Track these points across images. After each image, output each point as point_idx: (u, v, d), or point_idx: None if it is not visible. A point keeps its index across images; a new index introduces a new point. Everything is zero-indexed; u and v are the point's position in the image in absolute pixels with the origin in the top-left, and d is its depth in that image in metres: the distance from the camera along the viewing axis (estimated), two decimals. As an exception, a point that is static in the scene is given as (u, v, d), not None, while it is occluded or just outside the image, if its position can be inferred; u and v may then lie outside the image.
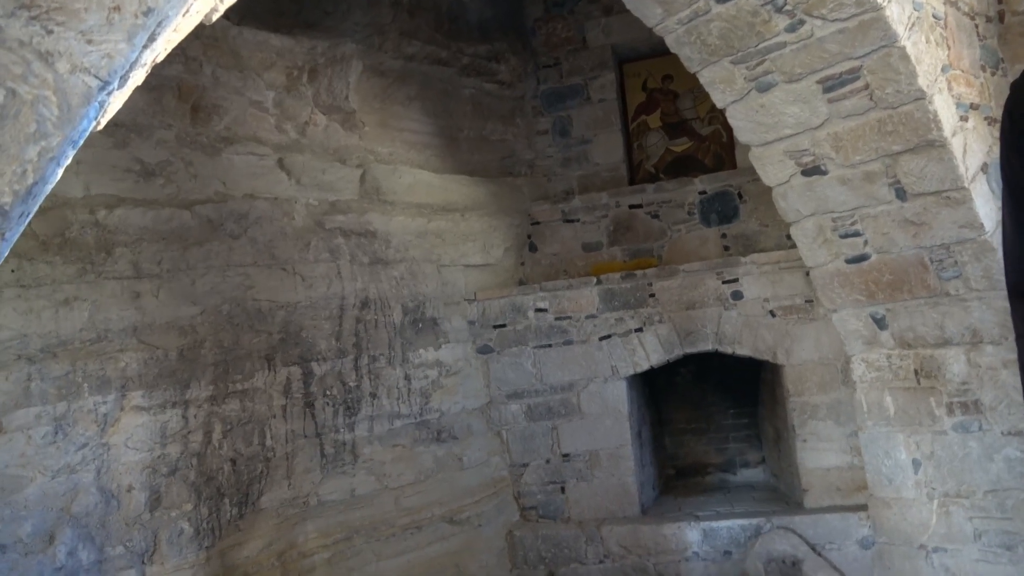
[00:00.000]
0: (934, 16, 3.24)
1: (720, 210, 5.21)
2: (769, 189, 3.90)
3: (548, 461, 5.02)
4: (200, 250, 3.83)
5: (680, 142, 5.70)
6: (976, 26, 3.58)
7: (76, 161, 3.14)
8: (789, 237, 4.22)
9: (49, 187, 1.23)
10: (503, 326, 5.12)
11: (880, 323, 3.96)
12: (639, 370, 4.95)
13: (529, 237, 5.53)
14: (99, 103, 1.23)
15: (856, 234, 3.75)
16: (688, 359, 5.04)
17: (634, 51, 5.70)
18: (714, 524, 4.62)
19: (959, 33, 3.42)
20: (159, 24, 1.26)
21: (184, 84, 3.81)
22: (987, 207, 3.43)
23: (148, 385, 3.57)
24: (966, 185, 3.32)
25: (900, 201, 3.51)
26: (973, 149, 3.42)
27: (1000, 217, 3.41)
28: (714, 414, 5.89)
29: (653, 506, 5.16)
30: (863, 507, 4.32)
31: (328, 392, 4.28)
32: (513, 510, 5.05)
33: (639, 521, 4.80)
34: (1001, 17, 3.74)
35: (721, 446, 5.85)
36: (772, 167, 3.73)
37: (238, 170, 4.04)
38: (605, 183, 5.60)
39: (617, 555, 4.72)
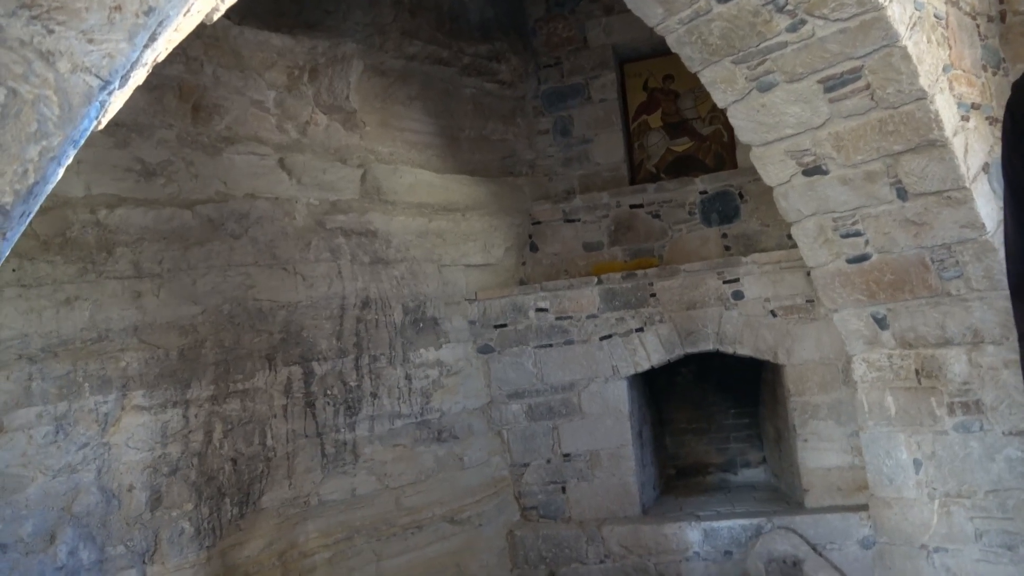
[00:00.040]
0: (935, 16, 3.24)
1: (721, 210, 5.21)
2: (770, 189, 3.90)
3: (549, 461, 5.02)
4: (201, 250, 3.83)
5: (681, 142, 5.70)
6: (977, 26, 3.58)
7: (77, 161, 3.14)
8: (790, 237, 4.21)
9: (50, 187, 1.23)
10: (504, 326, 5.12)
11: (881, 323, 3.95)
12: (640, 370, 4.95)
13: (530, 237, 5.53)
14: (100, 103, 1.23)
15: (857, 234, 3.75)
16: (689, 359, 5.04)
17: (635, 51, 5.70)
18: (715, 524, 4.62)
19: (960, 33, 3.42)
20: (160, 24, 1.26)
21: (185, 84, 3.81)
22: (988, 207, 3.43)
23: (149, 385, 3.57)
24: (967, 185, 3.32)
25: (901, 201, 3.51)
26: (974, 149, 3.42)
27: (1001, 217, 3.42)
28: (715, 414, 5.89)
29: (654, 506, 5.16)
30: (864, 507, 4.32)
31: (329, 392, 4.28)
32: (514, 510, 5.05)
33: (640, 521, 4.80)
34: (1002, 17, 3.74)
35: (722, 446, 5.84)
36: (773, 167, 3.73)
37: (239, 170, 4.04)
38: (606, 183, 5.60)
39: (618, 555, 4.72)
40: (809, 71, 3.21)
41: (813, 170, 3.63)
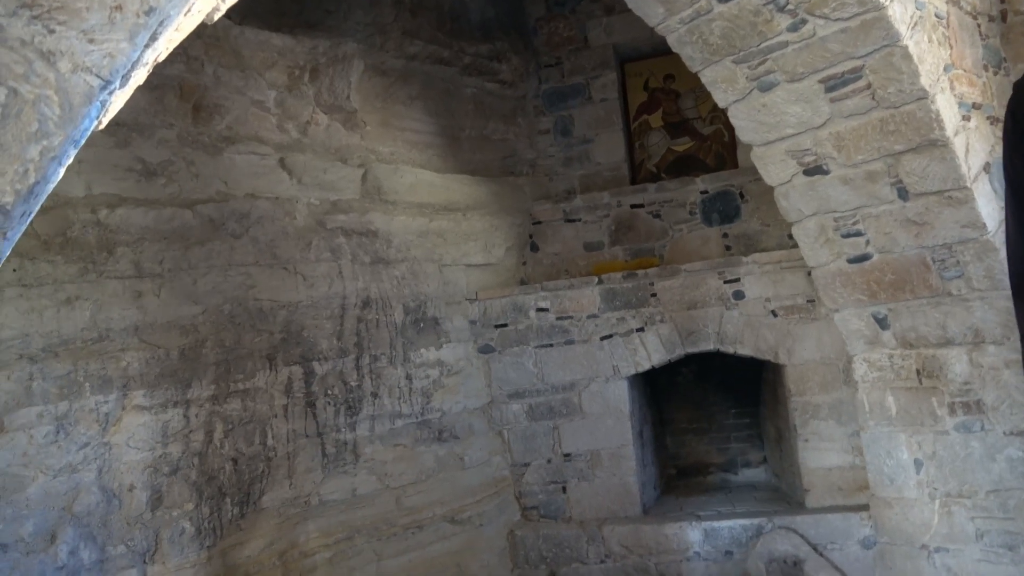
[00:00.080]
0: (936, 15, 3.23)
1: (722, 210, 5.21)
2: (771, 189, 3.90)
3: (549, 461, 5.02)
4: (202, 249, 3.83)
5: (682, 141, 5.69)
6: (978, 25, 3.58)
7: (78, 160, 3.15)
8: (791, 237, 4.21)
9: (51, 186, 1.23)
10: (504, 326, 5.12)
11: (882, 323, 3.95)
12: (640, 370, 4.95)
13: (531, 237, 5.53)
14: (101, 102, 1.23)
15: (858, 234, 3.75)
16: (690, 359, 5.04)
17: (636, 50, 5.70)
18: (715, 524, 4.61)
19: (961, 32, 3.42)
20: (161, 23, 1.26)
21: (186, 83, 3.81)
22: (989, 207, 3.42)
23: (150, 384, 3.57)
24: (968, 185, 3.32)
25: (902, 201, 3.51)
26: (975, 149, 3.41)
27: (1002, 217, 3.41)
28: (716, 414, 5.88)
29: (654, 506, 5.16)
30: (865, 507, 4.32)
31: (329, 392, 4.28)
32: (514, 510, 5.05)
33: (640, 521, 4.79)
34: (1003, 16, 3.74)
35: (723, 446, 5.84)
36: (774, 167, 3.73)
37: (240, 170, 4.04)
38: (607, 182, 5.59)
39: (618, 555, 4.72)
40: (810, 71, 3.21)
41: (814, 170, 3.62)
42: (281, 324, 4.10)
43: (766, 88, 3.35)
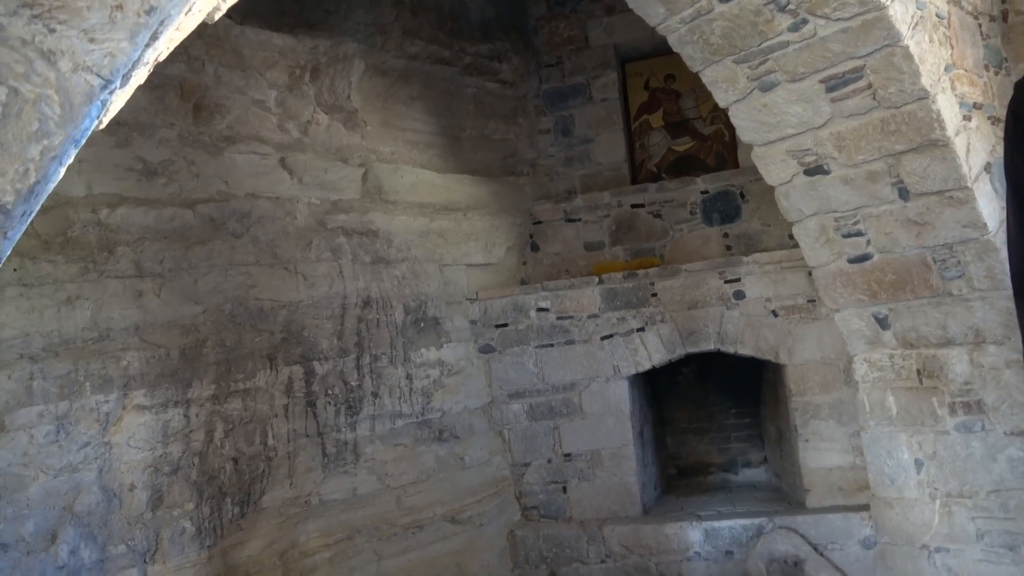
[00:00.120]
0: (937, 15, 3.23)
1: (722, 209, 5.21)
2: (771, 188, 3.89)
3: (550, 461, 5.02)
4: (202, 249, 3.83)
5: (682, 141, 5.69)
6: (979, 25, 3.58)
7: (78, 160, 3.15)
8: (791, 237, 4.21)
9: (51, 186, 1.23)
10: (505, 325, 5.12)
11: (883, 323, 3.95)
12: (641, 370, 4.94)
13: (531, 236, 5.53)
14: (101, 102, 1.23)
15: (859, 234, 3.75)
16: (690, 359, 5.03)
17: (636, 50, 5.70)
18: (716, 524, 4.61)
19: (962, 32, 3.42)
20: (161, 23, 1.26)
21: (186, 83, 3.81)
22: (990, 207, 3.42)
23: (150, 384, 3.57)
24: (969, 185, 3.32)
25: (903, 201, 3.51)
26: (976, 149, 3.41)
27: (1003, 216, 3.41)
28: (716, 414, 5.88)
29: (655, 506, 5.16)
30: (865, 507, 4.31)
31: (330, 391, 4.28)
32: (515, 510, 5.05)
33: (641, 521, 4.79)
34: (1004, 16, 3.73)
35: (723, 446, 5.84)
36: (775, 166, 3.73)
37: (240, 169, 4.04)
38: (607, 182, 5.59)
39: (619, 555, 4.71)
40: (811, 71, 3.21)
41: (815, 170, 3.62)
42: (282, 324, 4.10)
43: (767, 88, 3.35)
